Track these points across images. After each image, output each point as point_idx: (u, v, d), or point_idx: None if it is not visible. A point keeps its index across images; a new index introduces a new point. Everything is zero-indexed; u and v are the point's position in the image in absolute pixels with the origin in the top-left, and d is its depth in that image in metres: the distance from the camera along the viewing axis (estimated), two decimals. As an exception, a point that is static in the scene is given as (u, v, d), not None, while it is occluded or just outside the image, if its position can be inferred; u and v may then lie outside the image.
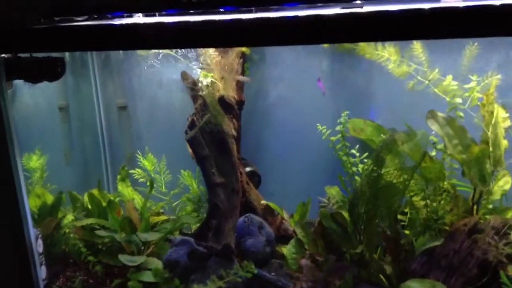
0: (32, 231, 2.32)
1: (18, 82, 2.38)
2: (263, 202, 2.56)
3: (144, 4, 2.38)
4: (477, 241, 2.00)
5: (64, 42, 2.07)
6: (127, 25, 2.03)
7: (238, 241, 2.38)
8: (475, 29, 1.56)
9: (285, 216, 2.58)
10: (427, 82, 2.24)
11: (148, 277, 2.28)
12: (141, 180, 2.75)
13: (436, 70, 2.22)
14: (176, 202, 2.76)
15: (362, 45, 2.34)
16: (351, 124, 2.48)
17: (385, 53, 2.28)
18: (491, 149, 2.07)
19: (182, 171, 2.72)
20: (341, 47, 2.47)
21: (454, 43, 2.25)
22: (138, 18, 2.29)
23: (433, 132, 2.21)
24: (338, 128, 2.46)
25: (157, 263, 2.34)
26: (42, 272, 2.41)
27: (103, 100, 2.92)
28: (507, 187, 2.17)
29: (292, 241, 2.38)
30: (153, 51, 2.60)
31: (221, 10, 2.16)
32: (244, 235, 2.38)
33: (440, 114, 2.21)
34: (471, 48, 2.15)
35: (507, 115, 2.07)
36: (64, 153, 2.88)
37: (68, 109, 2.84)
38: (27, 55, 2.16)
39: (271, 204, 2.54)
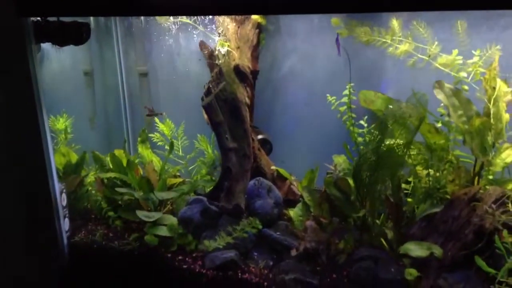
0: (57, 185, 2.50)
1: (46, 48, 2.50)
2: (273, 167, 2.69)
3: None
4: (475, 209, 2.09)
5: (89, 7, 2.21)
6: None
7: (248, 202, 2.51)
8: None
9: (294, 182, 2.69)
10: (427, 58, 2.30)
11: (163, 231, 2.44)
12: (160, 143, 2.91)
13: (435, 44, 2.28)
14: (192, 166, 2.91)
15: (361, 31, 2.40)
16: (362, 95, 2.57)
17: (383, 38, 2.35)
18: (492, 121, 2.14)
19: (198, 135, 2.85)
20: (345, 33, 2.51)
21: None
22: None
23: (442, 104, 2.29)
24: (343, 99, 2.55)
25: (172, 220, 2.50)
26: (66, 224, 2.60)
27: (126, 67, 3.06)
28: (509, 159, 2.23)
29: (299, 205, 2.51)
30: (173, 20, 2.72)
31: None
32: (253, 197, 2.51)
33: (447, 85, 2.28)
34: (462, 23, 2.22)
35: (510, 89, 2.14)
36: (89, 116, 3.03)
37: (93, 74, 2.98)
38: (54, 19, 2.31)
39: (280, 170, 2.66)
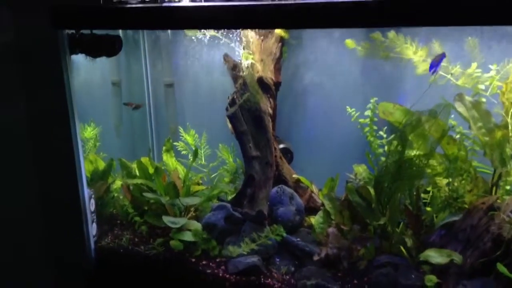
0: (86, 191, 2.60)
1: (77, 58, 2.61)
2: (294, 176, 2.77)
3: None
4: (493, 218, 2.15)
5: (120, 21, 2.33)
6: (176, 7, 2.27)
7: (270, 209, 2.58)
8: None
9: (314, 190, 2.77)
10: (448, 76, 2.38)
11: (188, 237, 2.53)
12: (183, 152, 3.00)
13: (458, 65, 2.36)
14: (214, 174, 3.00)
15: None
16: (381, 107, 2.64)
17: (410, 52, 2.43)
18: (510, 134, 2.20)
19: (220, 145, 2.95)
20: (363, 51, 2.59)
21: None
22: (185, 2, 2.53)
23: (452, 116, 2.36)
24: (366, 113, 2.64)
25: (196, 225, 2.58)
26: (93, 229, 2.69)
27: (152, 78, 3.17)
28: (525, 170, 2.30)
29: (320, 212, 2.58)
30: (199, 34, 2.83)
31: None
32: (276, 204, 2.59)
33: (467, 97, 2.35)
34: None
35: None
36: (115, 125, 3.14)
37: (120, 84, 3.09)
38: (88, 32, 2.42)
39: (302, 178, 2.74)
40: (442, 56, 2.25)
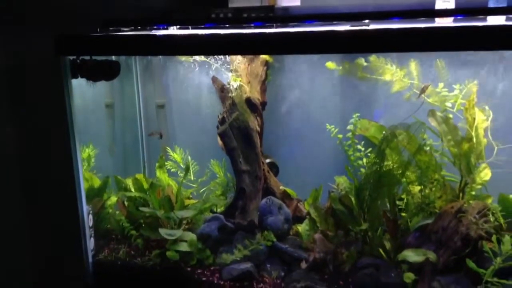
0: (85, 207, 2.74)
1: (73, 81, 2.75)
2: (281, 187, 2.99)
3: (180, 18, 2.86)
4: (461, 220, 2.42)
5: (115, 47, 2.54)
6: (166, 35, 2.48)
7: (260, 219, 2.78)
8: (462, 44, 2.02)
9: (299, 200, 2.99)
10: (423, 95, 2.66)
11: (184, 247, 2.68)
12: (173, 170, 3.18)
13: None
14: (204, 189, 3.18)
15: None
16: (359, 124, 2.91)
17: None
18: (474, 145, 2.49)
19: (212, 160, 3.14)
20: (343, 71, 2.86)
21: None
22: (173, 30, 2.76)
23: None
24: (349, 127, 2.89)
25: (191, 236, 2.74)
26: (91, 243, 2.82)
27: (144, 99, 3.35)
28: (486, 178, 2.57)
29: (306, 220, 2.80)
30: (190, 58, 3.05)
31: (246, 25, 2.62)
32: (266, 214, 2.77)
33: (438, 113, 2.62)
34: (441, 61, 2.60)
35: (486, 117, 2.51)
36: (109, 145, 3.28)
37: (113, 106, 3.25)
38: (88, 57, 2.60)
39: (288, 190, 2.96)
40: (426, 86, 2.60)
